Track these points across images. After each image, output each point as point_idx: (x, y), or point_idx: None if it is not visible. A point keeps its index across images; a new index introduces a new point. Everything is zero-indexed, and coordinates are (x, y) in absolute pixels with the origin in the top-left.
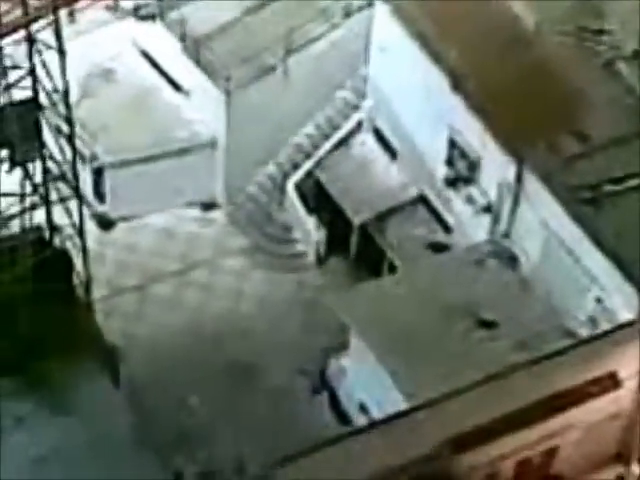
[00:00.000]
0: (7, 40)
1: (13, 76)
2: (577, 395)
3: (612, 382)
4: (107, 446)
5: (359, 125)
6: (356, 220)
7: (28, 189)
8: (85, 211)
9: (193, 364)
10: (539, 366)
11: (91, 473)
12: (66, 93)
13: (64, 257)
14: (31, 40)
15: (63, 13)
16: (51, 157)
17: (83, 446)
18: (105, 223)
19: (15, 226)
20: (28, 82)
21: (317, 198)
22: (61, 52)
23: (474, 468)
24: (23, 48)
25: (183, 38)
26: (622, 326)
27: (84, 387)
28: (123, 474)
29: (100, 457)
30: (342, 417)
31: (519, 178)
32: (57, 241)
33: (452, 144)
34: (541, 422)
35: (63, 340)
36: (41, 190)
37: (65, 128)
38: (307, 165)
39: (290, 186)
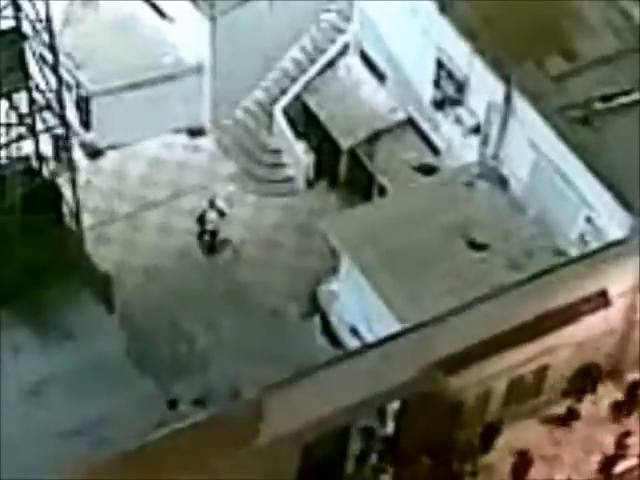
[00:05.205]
0: None
1: None
2: (568, 313)
3: (602, 300)
4: (102, 372)
5: (345, 48)
6: (344, 144)
7: (14, 120)
8: (73, 141)
9: (185, 290)
10: (530, 285)
11: (87, 399)
12: (49, 21)
13: (53, 187)
14: None
15: None
16: (36, 87)
17: (79, 372)
18: (93, 152)
19: (3, 158)
20: (10, 12)
21: (305, 122)
22: None
23: (466, 387)
24: None
25: None
26: (612, 244)
27: (78, 314)
28: (118, 399)
29: (95, 383)
30: (334, 340)
31: (507, 98)
32: (45, 171)
33: (439, 65)
34: (533, 341)
35: (54, 269)
36: (27, 120)
37: (49, 57)
38: (294, 89)
39: (278, 111)
